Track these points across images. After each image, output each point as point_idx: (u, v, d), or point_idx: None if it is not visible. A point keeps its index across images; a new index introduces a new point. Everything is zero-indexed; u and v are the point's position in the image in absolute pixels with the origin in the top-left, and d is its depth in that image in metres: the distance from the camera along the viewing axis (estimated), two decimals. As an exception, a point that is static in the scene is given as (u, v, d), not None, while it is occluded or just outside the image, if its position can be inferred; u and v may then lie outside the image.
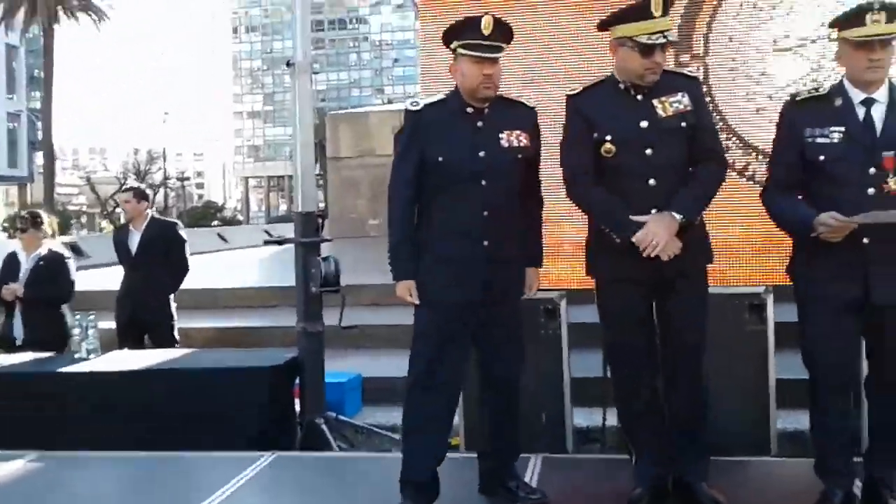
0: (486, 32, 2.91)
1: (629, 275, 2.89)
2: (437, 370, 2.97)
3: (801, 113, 2.81)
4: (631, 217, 2.83)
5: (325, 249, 4.30)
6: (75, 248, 10.10)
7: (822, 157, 2.73)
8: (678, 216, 2.81)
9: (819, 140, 2.74)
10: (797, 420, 3.76)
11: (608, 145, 2.90)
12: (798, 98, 2.87)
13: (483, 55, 2.91)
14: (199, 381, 3.70)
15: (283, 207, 48.89)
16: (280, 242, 4.13)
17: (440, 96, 3.12)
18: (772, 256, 3.36)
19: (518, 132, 3.02)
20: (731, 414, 3.45)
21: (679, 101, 2.90)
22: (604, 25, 2.98)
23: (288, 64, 3.71)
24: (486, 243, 2.96)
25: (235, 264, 11.21)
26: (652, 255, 2.77)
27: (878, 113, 2.72)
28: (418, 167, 3.00)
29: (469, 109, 3.01)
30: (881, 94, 2.73)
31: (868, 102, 2.72)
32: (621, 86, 2.94)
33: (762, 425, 3.63)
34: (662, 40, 2.82)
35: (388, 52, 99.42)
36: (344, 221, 12.38)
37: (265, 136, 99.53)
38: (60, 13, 32.26)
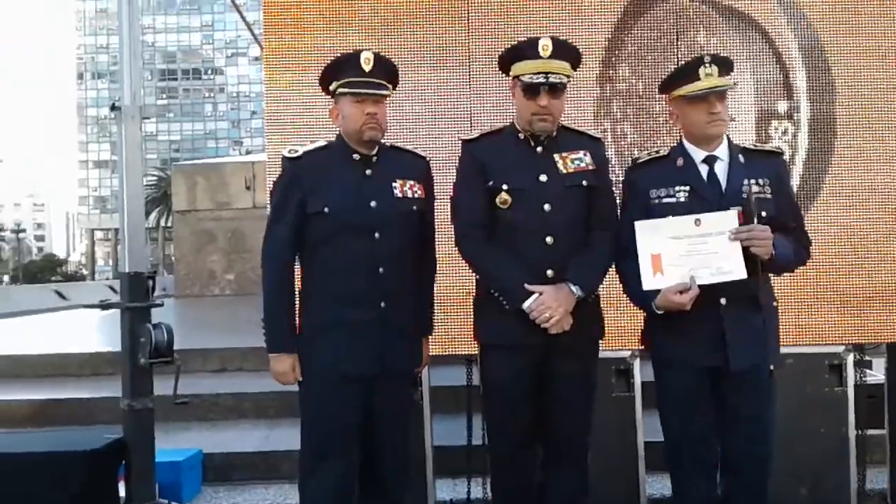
0: (366, 69, 2.66)
1: (516, 342, 2.67)
2: (328, 463, 2.67)
3: (644, 175, 2.74)
4: (526, 285, 2.63)
5: (169, 310, 3.86)
6: None
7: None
8: (577, 291, 2.64)
9: (665, 200, 2.67)
10: (667, 485, 3.64)
11: (504, 195, 2.70)
12: (640, 161, 2.79)
13: (363, 92, 2.65)
14: (-3, 473, 3.13)
15: (132, 262, 46.38)
16: (104, 307, 3.63)
17: (321, 143, 2.81)
18: (638, 317, 3.19)
19: (412, 182, 2.77)
20: (600, 485, 3.26)
21: (581, 160, 2.76)
22: (501, 63, 2.82)
23: (112, 108, 3.27)
24: (382, 305, 2.67)
25: (71, 326, 10.28)
26: (542, 327, 2.60)
27: (721, 169, 2.68)
28: (298, 223, 2.67)
29: (356, 156, 2.72)
30: (722, 151, 2.70)
31: (710, 160, 2.68)
32: (521, 135, 2.76)
33: (632, 495, 3.50)
34: (542, 80, 2.65)
35: (245, 104, 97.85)
36: (193, 278, 11.73)
37: (112, 187, 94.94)
38: None
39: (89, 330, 9.52)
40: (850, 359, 3.59)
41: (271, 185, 2.94)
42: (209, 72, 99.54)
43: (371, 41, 3.48)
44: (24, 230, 61.55)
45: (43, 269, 50.41)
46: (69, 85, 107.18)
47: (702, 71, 2.62)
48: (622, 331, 3.32)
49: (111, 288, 15.54)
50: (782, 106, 3.74)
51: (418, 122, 3.65)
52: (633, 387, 3.55)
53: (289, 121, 3.57)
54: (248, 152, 56.01)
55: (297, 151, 2.74)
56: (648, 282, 2.58)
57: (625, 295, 2.80)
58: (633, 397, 3.55)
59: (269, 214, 2.80)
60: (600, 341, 2.88)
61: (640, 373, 3.55)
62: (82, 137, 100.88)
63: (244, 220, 11.84)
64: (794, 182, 3.62)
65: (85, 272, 59.56)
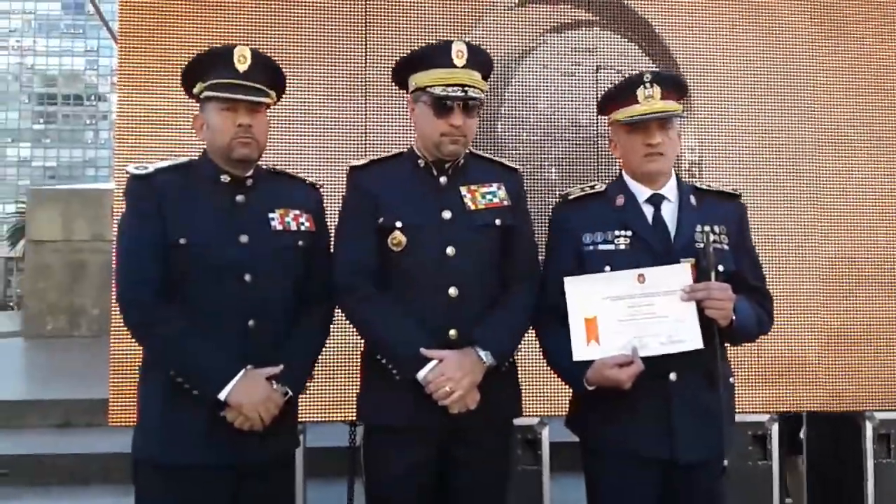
0: (240, 68, 2.11)
1: (407, 424, 2.14)
2: None
3: (576, 215, 2.26)
4: (422, 350, 2.11)
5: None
6: None
7: (608, 268, 2.15)
8: (487, 358, 2.13)
9: (602, 247, 2.18)
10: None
11: (398, 235, 2.19)
12: (571, 197, 2.31)
13: (235, 97, 2.10)
14: None
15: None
16: None
17: (182, 160, 2.23)
18: (551, 379, 2.75)
19: (296, 212, 2.21)
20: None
21: (494, 194, 2.27)
22: (398, 74, 2.32)
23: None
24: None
25: None
26: (441, 404, 2.08)
27: (669, 212, 2.20)
28: (157, 254, 2.08)
29: (225, 178, 2.17)
30: (669, 191, 2.23)
31: (656, 200, 2.21)
32: (420, 162, 2.26)
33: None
34: (460, 94, 2.17)
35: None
36: (44, 316, 10.46)
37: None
38: None
39: None
40: (776, 429, 3.28)
41: None
42: (92, 97, 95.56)
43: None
44: None
45: None
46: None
47: (640, 92, 2.17)
48: (532, 395, 2.90)
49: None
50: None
51: (305, 142, 3.17)
52: (542, 459, 3.11)
53: (143, 138, 3.05)
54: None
55: (146, 168, 2.16)
56: (580, 351, 2.09)
57: (546, 363, 2.28)
58: (540, 471, 3.11)
59: (118, 243, 2.16)
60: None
61: (549, 440, 3.14)
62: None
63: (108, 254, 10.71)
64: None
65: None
